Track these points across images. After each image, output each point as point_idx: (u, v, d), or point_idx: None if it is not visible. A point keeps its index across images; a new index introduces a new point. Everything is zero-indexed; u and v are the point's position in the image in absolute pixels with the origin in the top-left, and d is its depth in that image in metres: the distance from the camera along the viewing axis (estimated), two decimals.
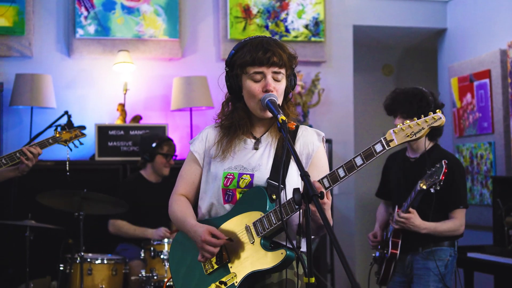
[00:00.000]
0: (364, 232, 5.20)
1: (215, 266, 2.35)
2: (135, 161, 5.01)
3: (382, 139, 2.14)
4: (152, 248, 4.30)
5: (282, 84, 2.37)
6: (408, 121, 2.13)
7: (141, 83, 5.47)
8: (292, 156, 2.17)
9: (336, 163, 5.16)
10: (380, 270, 3.73)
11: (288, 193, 2.26)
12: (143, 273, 4.23)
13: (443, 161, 3.25)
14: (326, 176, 2.18)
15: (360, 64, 6.64)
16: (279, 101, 2.33)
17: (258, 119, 2.40)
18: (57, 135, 3.81)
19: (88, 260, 4.29)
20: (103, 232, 4.70)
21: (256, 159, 2.37)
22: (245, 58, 2.33)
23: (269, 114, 2.31)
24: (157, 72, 5.53)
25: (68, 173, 4.01)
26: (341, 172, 2.16)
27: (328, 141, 5.53)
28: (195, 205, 2.51)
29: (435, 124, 2.11)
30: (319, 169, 2.35)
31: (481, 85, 5.40)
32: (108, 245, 4.75)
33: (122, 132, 5.16)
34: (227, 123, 2.43)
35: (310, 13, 5.77)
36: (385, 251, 3.67)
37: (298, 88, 5.57)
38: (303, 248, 2.31)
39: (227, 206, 2.37)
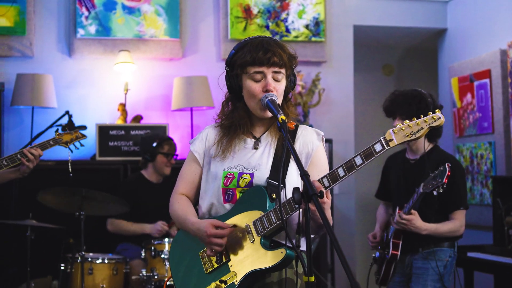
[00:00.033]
0: (364, 232, 5.20)
1: (215, 265, 2.35)
2: (136, 161, 5.02)
3: (382, 139, 2.14)
4: (152, 248, 4.30)
5: (282, 84, 2.38)
6: (407, 121, 2.14)
7: (142, 83, 5.48)
8: (292, 156, 2.18)
9: (337, 163, 5.16)
10: (380, 271, 3.74)
11: (288, 193, 2.27)
12: (144, 272, 4.24)
13: (446, 164, 3.26)
14: (326, 176, 2.18)
15: (361, 64, 6.64)
16: (279, 101, 2.34)
17: (258, 118, 2.41)
18: (58, 137, 3.81)
19: (89, 259, 4.30)
20: (103, 232, 4.71)
21: (256, 158, 2.37)
22: (245, 58, 2.34)
23: (269, 114, 2.32)
24: (158, 72, 5.54)
25: (71, 174, 4.02)
26: (341, 172, 2.17)
27: (329, 141, 5.54)
28: (195, 204, 2.52)
29: (435, 124, 2.12)
30: (318, 169, 2.36)
31: (481, 85, 5.40)
32: (109, 245, 4.76)
33: (123, 132, 5.17)
34: (227, 122, 2.44)
35: (311, 13, 5.77)
36: (386, 252, 3.68)
37: (298, 88, 5.58)
38: (303, 247, 2.32)
39: (227, 206, 2.38)
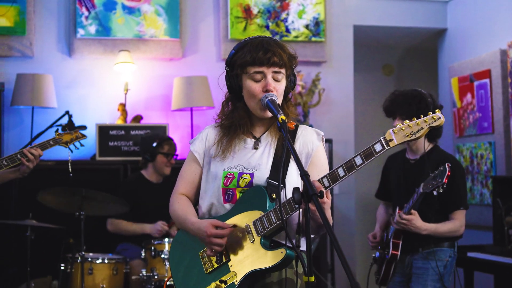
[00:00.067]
0: (364, 232, 5.20)
1: (215, 265, 2.35)
2: (136, 161, 5.02)
3: (382, 139, 2.15)
4: (152, 248, 4.31)
5: (282, 84, 2.38)
6: (407, 121, 2.14)
7: (142, 83, 5.48)
8: (292, 156, 2.18)
9: (337, 163, 5.16)
10: (380, 271, 3.74)
11: (288, 193, 2.27)
12: (144, 272, 4.24)
13: (446, 164, 3.26)
14: (326, 176, 2.19)
15: (361, 64, 6.64)
16: (279, 101, 2.34)
17: (258, 118, 2.41)
18: (58, 137, 3.81)
19: (89, 259, 4.30)
20: (103, 232, 4.72)
21: (256, 158, 2.38)
22: (245, 58, 2.34)
23: (269, 114, 2.32)
24: (158, 72, 5.54)
25: (71, 174, 4.02)
26: (341, 172, 2.17)
27: (329, 141, 5.54)
28: (195, 204, 2.52)
29: (435, 124, 2.12)
30: (318, 168, 2.36)
31: (481, 85, 5.40)
32: (109, 245, 4.77)
33: (123, 132, 5.17)
34: (227, 122, 2.44)
35: (311, 13, 5.78)
36: (386, 252, 3.68)
37: (298, 88, 5.58)
38: (303, 247, 2.32)
39: (227, 206, 2.38)
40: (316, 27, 5.77)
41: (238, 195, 2.36)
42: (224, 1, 5.65)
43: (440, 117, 2.12)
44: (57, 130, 3.91)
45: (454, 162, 3.63)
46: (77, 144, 3.89)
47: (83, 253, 4.17)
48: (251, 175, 2.35)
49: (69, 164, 4.00)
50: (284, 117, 2.17)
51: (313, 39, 5.76)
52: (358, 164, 2.15)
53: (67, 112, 4.88)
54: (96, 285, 4.28)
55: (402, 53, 7.22)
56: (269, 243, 2.29)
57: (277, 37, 5.43)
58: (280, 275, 2.33)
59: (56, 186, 4.32)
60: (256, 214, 2.29)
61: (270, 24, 5.70)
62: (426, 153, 3.63)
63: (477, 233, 5.27)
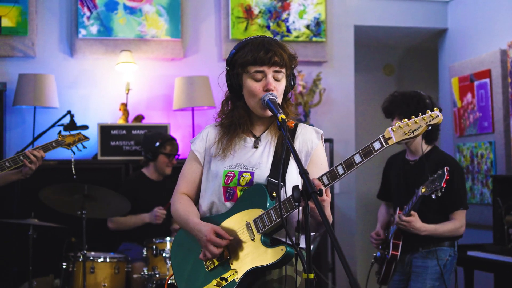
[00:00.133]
0: (365, 232, 5.22)
1: (216, 263, 2.37)
2: (137, 160, 5.04)
3: (381, 137, 2.16)
4: (154, 247, 4.32)
5: (282, 84, 2.40)
6: (406, 120, 2.16)
7: (143, 83, 5.50)
8: (291, 154, 2.20)
9: (337, 163, 5.18)
10: (380, 270, 3.76)
11: (288, 191, 2.28)
12: (145, 271, 4.26)
13: (445, 168, 3.29)
14: (325, 174, 2.20)
15: (361, 64, 6.66)
16: (279, 100, 2.35)
17: (258, 117, 2.43)
18: (60, 139, 3.83)
19: (91, 258, 4.32)
20: (105, 231, 4.74)
21: (256, 157, 2.39)
22: (246, 58, 2.36)
23: (269, 113, 2.34)
24: (159, 72, 5.56)
25: (74, 176, 4.04)
26: (340, 170, 2.19)
27: (329, 141, 5.56)
28: (196, 203, 2.54)
29: (433, 122, 2.13)
30: (318, 167, 2.37)
31: (481, 85, 5.42)
32: (111, 244, 4.79)
33: (124, 132, 5.19)
34: (227, 121, 2.46)
35: (311, 13, 5.79)
36: (386, 252, 3.70)
37: (299, 88, 5.60)
38: (303, 244, 2.34)
39: (228, 204, 2.40)
40: (317, 27, 5.79)
41: (238, 193, 2.38)
42: (225, 1, 5.66)
43: (438, 115, 2.13)
44: (59, 132, 3.92)
45: (453, 163, 3.65)
46: (79, 146, 3.91)
47: (85, 252, 4.19)
48: (252, 174, 2.36)
49: (72, 166, 4.01)
50: (284, 116, 2.19)
51: (314, 39, 5.78)
52: (357, 162, 2.17)
53: (69, 112, 4.90)
54: (98, 284, 4.30)
55: (402, 53, 7.23)
56: (270, 240, 2.30)
57: (278, 37, 5.45)
58: (280, 273, 2.34)
59: (59, 180, 4.34)
60: (257, 212, 2.31)
61: (271, 24, 5.72)
62: (425, 154, 3.65)
63: (477, 232, 5.29)
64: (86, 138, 3.92)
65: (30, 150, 3.71)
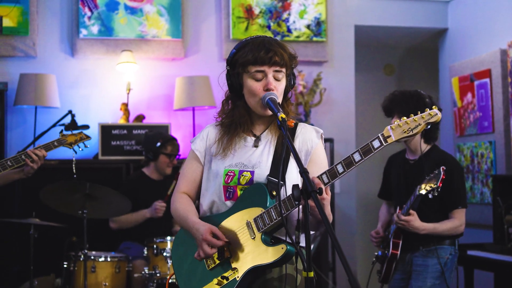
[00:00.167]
0: (365, 231, 5.22)
1: (217, 262, 2.38)
2: (138, 160, 5.05)
3: (380, 135, 2.17)
4: (155, 246, 4.33)
5: (282, 83, 2.40)
6: (405, 118, 2.17)
7: (144, 83, 5.51)
8: (291, 153, 2.20)
9: None
10: (382, 269, 3.77)
11: (288, 190, 2.29)
12: (146, 270, 4.27)
13: (441, 168, 3.29)
14: (325, 172, 2.21)
15: (362, 64, 6.67)
16: (279, 100, 2.36)
17: (258, 116, 2.44)
18: (62, 138, 3.84)
19: (92, 257, 4.33)
20: (106, 230, 4.75)
21: (256, 156, 2.40)
22: (247, 57, 2.36)
23: (270, 112, 2.34)
24: (160, 72, 5.57)
25: (75, 176, 4.05)
26: (340, 168, 2.20)
27: (330, 140, 5.57)
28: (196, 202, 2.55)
29: (432, 120, 2.14)
30: (318, 166, 2.38)
31: (481, 85, 5.43)
32: (111, 243, 4.80)
33: (125, 132, 5.20)
34: (227, 121, 2.46)
35: (312, 13, 5.80)
36: (386, 251, 3.71)
37: (300, 88, 5.60)
38: (303, 243, 2.34)
39: (228, 203, 2.40)
40: (318, 27, 5.80)
41: (239, 192, 2.38)
42: (226, 1, 5.67)
43: (437, 114, 2.14)
44: (61, 131, 3.92)
45: (453, 162, 3.66)
46: (81, 145, 3.92)
47: (86, 251, 4.19)
48: (252, 173, 2.37)
49: (73, 165, 4.02)
50: (284, 115, 2.20)
51: (315, 39, 5.79)
52: (356, 160, 2.18)
53: (70, 112, 4.90)
54: (99, 283, 4.31)
55: (403, 53, 7.24)
56: (270, 239, 2.31)
57: (278, 37, 5.47)
58: (281, 271, 2.35)
59: (59, 180, 4.35)
60: (257, 211, 2.31)
61: (271, 24, 5.73)
62: (425, 153, 3.66)
63: (477, 232, 5.30)
64: (87, 137, 3.93)
65: (32, 149, 3.72)
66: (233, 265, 2.34)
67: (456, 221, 3.60)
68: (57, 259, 4.46)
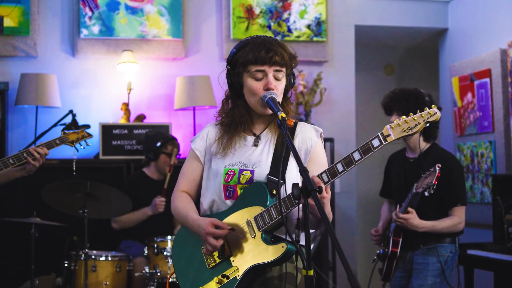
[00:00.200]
0: (365, 231, 5.23)
1: (217, 260, 2.39)
2: (139, 159, 5.06)
3: (379, 134, 2.19)
4: (155, 245, 4.34)
5: (282, 83, 2.42)
6: (404, 117, 2.18)
7: (145, 83, 5.52)
8: (291, 152, 2.21)
9: None
10: (383, 267, 3.78)
11: (288, 188, 2.30)
12: (147, 269, 4.27)
13: (436, 165, 3.30)
14: (325, 171, 2.22)
15: (362, 64, 6.68)
16: (279, 99, 2.37)
17: (258, 116, 2.45)
18: (64, 136, 3.85)
19: (93, 257, 4.34)
20: (107, 230, 4.75)
21: (256, 155, 2.41)
22: (247, 57, 2.37)
23: (269, 111, 2.35)
24: (161, 72, 5.58)
25: (74, 173, 4.06)
26: (340, 167, 2.20)
27: (330, 140, 5.57)
28: (196, 201, 2.55)
29: (431, 119, 2.15)
30: (317, 164, 2.39)
31: (481, 84, 5.43)
32: (112, 242, 4.80)
33: (126, 131, 5.21)
34: (227, 120, 2.47)
35: (312, 13, 5.81)
36: (386, 249, 3.72)
37: (300, 88, 5.61)
38: (303, 242, 2.35)
39: (229, 202, 2.41)
40: (318, 27, 5.81)
41: (239, 191, 2.39)
42: (226, 1, 5.68)
43: (436, 112, 2.15)
44: (63, 129, 3.93)
45: (452, 160, 3.67)
46: (83, 143, 3.93)
47: (86, 250, 4.20)
48: (252, 172, 2.38)
49: (74, 163, 4.03)
50: (283, 115, 2.21)
51: (315, 39, 5.80)
52: (356, 159, 2.19)
53: (70, 112, 4.92)
54: (100, 282, 4.32)
55: (403, 52, 7.25)
56: (270, 238, 2.32)
57: (279, 37, 5.48)
58: (281, 270, 2.36)
59: (60, 179, 4.36)
60: (257, 209, 2.32)
61: (272, 24, 5.74)
62: (425, 152, 3.67)
63: (477, 231, 5.30)
64: (89, 135, 3.94)
65: (34, 147, 3.73)
66: (234, 264, 2.35)
67: (456, 219, 3.61)
68: (58, 259, 4.47)
